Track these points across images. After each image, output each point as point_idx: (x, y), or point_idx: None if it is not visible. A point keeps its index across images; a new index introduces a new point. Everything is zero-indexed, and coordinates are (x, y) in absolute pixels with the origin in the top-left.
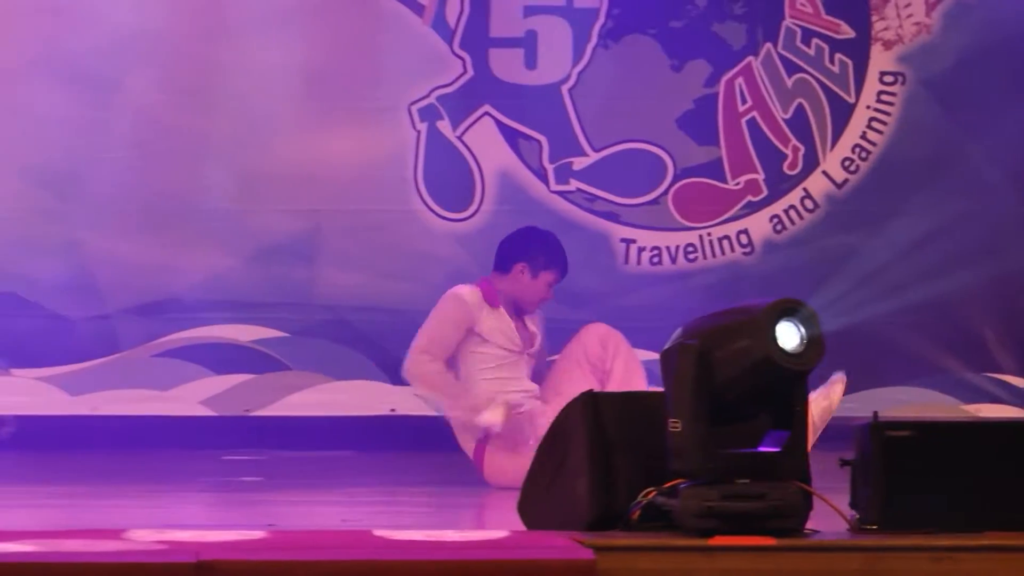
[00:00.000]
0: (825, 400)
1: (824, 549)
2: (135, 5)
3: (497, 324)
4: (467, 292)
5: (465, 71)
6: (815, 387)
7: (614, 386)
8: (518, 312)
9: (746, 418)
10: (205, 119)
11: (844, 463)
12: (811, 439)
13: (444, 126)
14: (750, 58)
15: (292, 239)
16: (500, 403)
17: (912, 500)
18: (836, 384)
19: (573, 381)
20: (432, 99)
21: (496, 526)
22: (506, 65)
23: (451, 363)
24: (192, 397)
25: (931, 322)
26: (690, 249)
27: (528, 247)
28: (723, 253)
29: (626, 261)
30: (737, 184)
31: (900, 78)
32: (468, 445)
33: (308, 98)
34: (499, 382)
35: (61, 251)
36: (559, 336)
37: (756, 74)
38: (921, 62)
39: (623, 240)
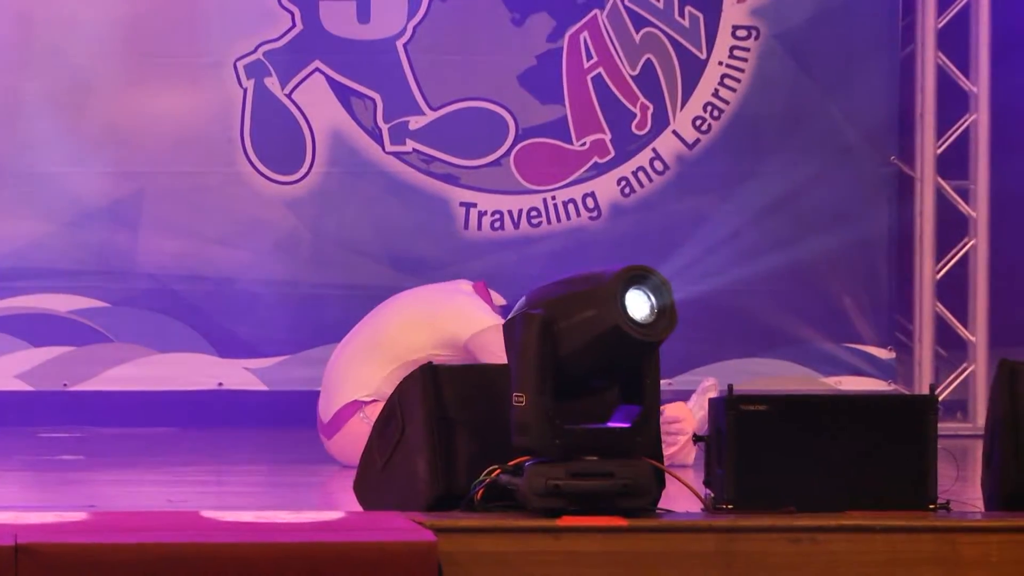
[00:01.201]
0: (702, 410)
1: (676, 530)
2: None
3: None
4: (494, 316)
5: (294, 25)
6: (671, 372)
7: None
8: None
9: (594, 392)
10: (17, 76)
11: (698, 439)
12: (692, 453)
13: (272, 83)
14: (595, 11)
15: (112, 203)
16: None
17: (769, 478)
18: (709, 390)
19: None
20: (259, 55)
21: (331, 507)
22: (338, 19)
23: None
24: (7, 371)
25: (788, 290)
26: (534, 213)
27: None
28: (568, 217)
29: (466, 226)
30: (583, 145)
31: (754, 32)
32: (329, 408)
33: (127, 53)
34: None
35: None
36: None
37: (602, 28)
38: (776, 15)
39: (463, 204)
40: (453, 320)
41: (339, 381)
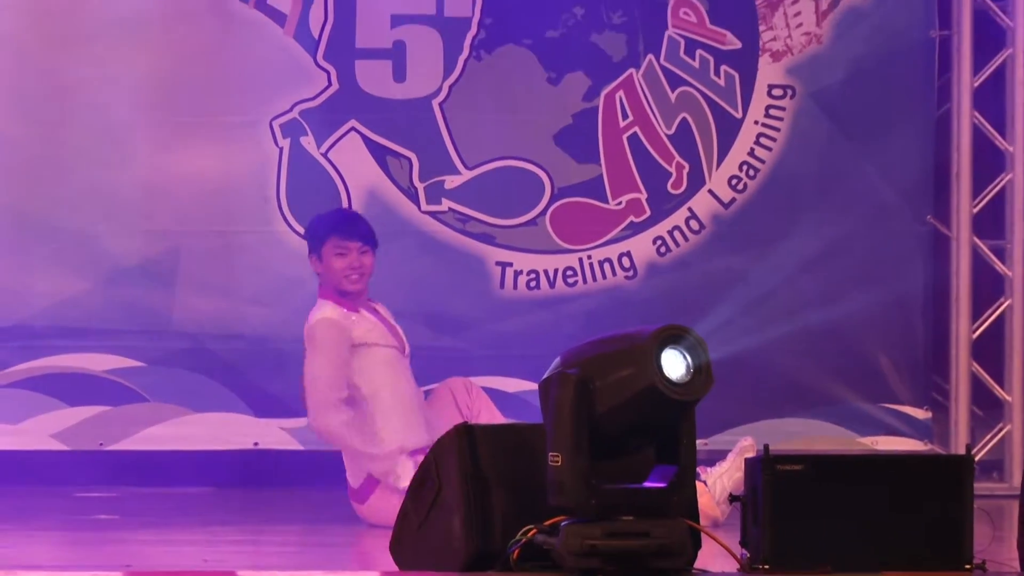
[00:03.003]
0: (738, 472)
1: None
2: None
3: (366, 324)
4: (328, 309)
5: (330, 84)
6: (706, 431)
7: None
8: (361, 306)
9: (631, 451)
10: (54, 133)
11: (734, 499)
12: (726, 512)
13: (308, 142)
14: (631, 70)
15: (148, 262)
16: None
17: (805, 538)
18: (747, 451)
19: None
20: (295, 114)
21: (367, 567)
22: (374, 78)
23: (350, 391)
24: (43, 430)
25: (824, 349)
26: (569, 273)
27: (305, 238)
28: (604, 277)
29: (502, 285)
30: (619, 204)
31: (789, 91)
32: (358, 475)
33: (164, 111)
34: (395, 385)
35: None
36: (439, 365)
37: (638, 87)
38: (811, 75)
39: (499, 263)
40: None
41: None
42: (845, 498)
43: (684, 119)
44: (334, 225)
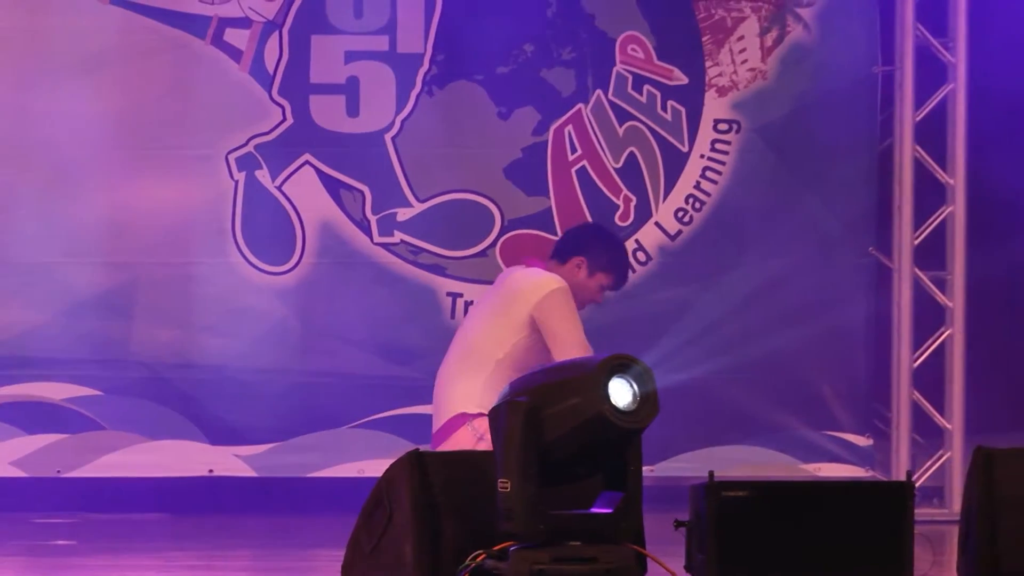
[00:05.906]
0: None
1: None
2: None
3: None
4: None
5: (284, 119)
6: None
7: None
8: None
9: (579, 478)
10: (12, 168)
11: (679, 525)
12: None
13: (263, 175)
14: (580, 105)
15: (106, 293)
16: None
17: (749, 564)
18: None
19: None
20: (250, 147)
21: None
22: (327, 112)
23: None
24: (1, 458)
25: (768, 378)
26: None
27: (592, 243)
28: None
29: (452, 316)
30: None
31: (735, 126)
32: (439, 418)
33: (121, 146)
34: None
35: None
36: (391, 394)
37: (586, 122)
38: (756, 109)
39: (449, 294)
40: (515, 300)
41: (444, 397)
42: (789, 524)
43: (631, 153)
44: (621, 273)
